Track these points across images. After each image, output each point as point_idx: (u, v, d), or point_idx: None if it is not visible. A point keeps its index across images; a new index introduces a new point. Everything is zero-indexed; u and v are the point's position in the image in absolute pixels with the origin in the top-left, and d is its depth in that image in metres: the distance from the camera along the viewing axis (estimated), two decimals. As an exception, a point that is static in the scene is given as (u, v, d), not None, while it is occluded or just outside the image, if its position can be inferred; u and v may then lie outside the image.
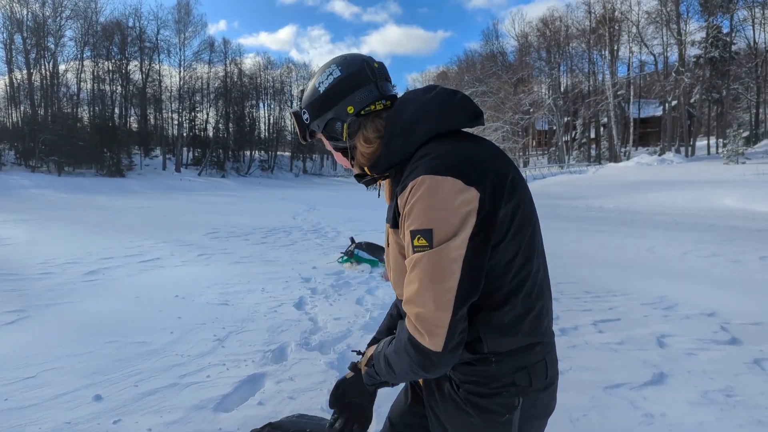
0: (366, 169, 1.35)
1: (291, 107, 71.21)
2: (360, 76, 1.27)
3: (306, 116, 1.34)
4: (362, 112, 1.28)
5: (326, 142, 1.37)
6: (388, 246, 1.32)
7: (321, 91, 1.30)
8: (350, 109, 1.27)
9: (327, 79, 1.29)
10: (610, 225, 14.12)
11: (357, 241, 8.28)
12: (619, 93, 45.31)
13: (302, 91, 1.38)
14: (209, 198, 27.93)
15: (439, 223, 1.06)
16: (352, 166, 1.36)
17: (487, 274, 1.12)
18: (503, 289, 1.15)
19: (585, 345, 4.33)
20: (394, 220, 1.20)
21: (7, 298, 5.49)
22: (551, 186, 33.39)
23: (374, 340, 1.56)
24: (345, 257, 7.93)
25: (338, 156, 1.38)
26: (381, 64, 1.31)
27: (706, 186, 22.57)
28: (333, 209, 20.65)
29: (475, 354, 1.18)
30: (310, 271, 7.40)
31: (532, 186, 35.47)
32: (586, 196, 26.26)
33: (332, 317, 5.01)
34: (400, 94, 1.33)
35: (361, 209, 21.14)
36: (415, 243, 1.09)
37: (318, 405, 3.08)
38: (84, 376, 3.43)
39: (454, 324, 1.07)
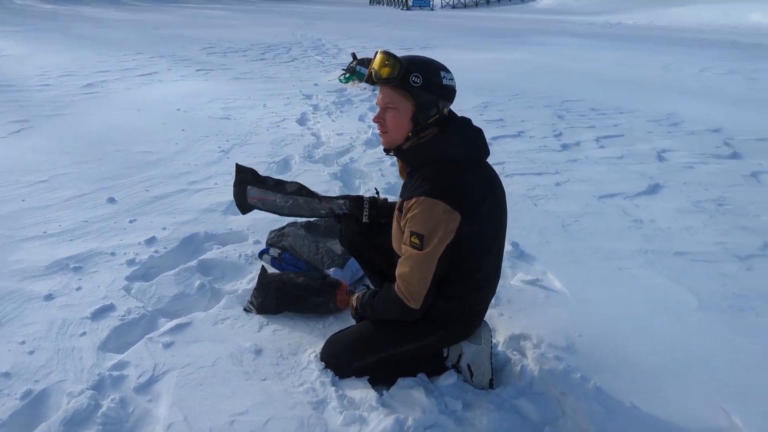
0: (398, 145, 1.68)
1: None
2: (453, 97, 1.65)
3: (417, 80, 1.55)
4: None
5: (404, 102, 1.59)
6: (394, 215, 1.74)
7: (442, 84, 1.58)
8: (445, 111, 1.64)
9: (450, 81, 1.61)
10: (626, 42, 13.25)
11: (359, 57, 7.86)
12: None
13: (415, 62, 1.58)
14: (202, 11, 25.90)
15: (429, 232, 1.53)
16: (408, 135, 1.64)
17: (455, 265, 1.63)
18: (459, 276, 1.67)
19: (585, 159, 4.37)
20: (399, 210, 1.66)
21: (10, 109, 5.45)
22: (569, 1, 30.57)
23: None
24: (347, 75, 7.60)
25: (396, 117, 1.62)
26: None
27: (736, 0, 20.59)
28: (334, 24, 19.27)
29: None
30: (312, 88, 7.18)
31: (549, 2, 32.49)
32: (605, 11, 24.20)
33: (335, 133, 4.99)
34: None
35: (363, 25, 19.73)
36: (412, 240, 1.56)
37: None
38: (95, 181, 3.54)
39: (428, 294, 1.61)
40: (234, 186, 2.19)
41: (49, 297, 2.20)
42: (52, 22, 16.61)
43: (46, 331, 1.98)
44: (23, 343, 1.91)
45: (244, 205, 2.20)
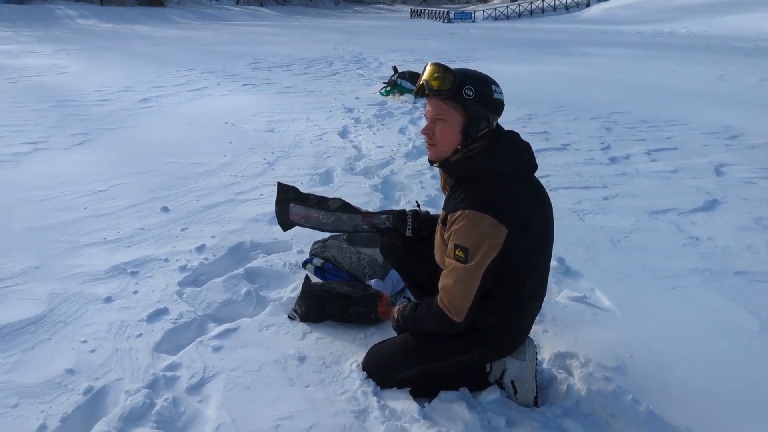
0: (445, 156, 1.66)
1: None
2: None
3: (470, 92, 1.55)
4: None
5: (455, 114, 1.58)
6: (437, 227, 1.76)
7: (493, 97, 1.58)
8: (494, 125, 1.63)
9: (500, 95, 1.60)
10: (679, 51, 12.83)
11: (400, 70, 7.94)
12: None
13: (467, 75, 1.57)
14: (249, 28, 26.87)
15: (474, 246, 1.51)
16: (458, 148, 1.62)
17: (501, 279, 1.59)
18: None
19: (635, 173, 4.24)
20: (443, 222, 1.66)
21: (72, 122, 5.78)
22: (617, 11, 29.98)
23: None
24: (388, 88, 7.68)
25: (445, 129, 1.60)
26: None
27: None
28: (375, 39, 19.56)
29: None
30: (353, 101, 7.29)
31: (595, 11, 31.91)
32: (656, 20, 23.54)
33: (375, 145, 5.04)
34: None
35: (404, 38, 19.94)
36: (456, 253, 1.54)
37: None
38: (150, 190, 3.71)
39: (471, 308, 1.58)
40: (276, 204, 2.24)
41: (108, 300, 2.31)
42: (110, 41, 17.60)
43: (105, 332, 2.08)
44: (85, 342, 2.01)
45: (286, 222, 2.25)
